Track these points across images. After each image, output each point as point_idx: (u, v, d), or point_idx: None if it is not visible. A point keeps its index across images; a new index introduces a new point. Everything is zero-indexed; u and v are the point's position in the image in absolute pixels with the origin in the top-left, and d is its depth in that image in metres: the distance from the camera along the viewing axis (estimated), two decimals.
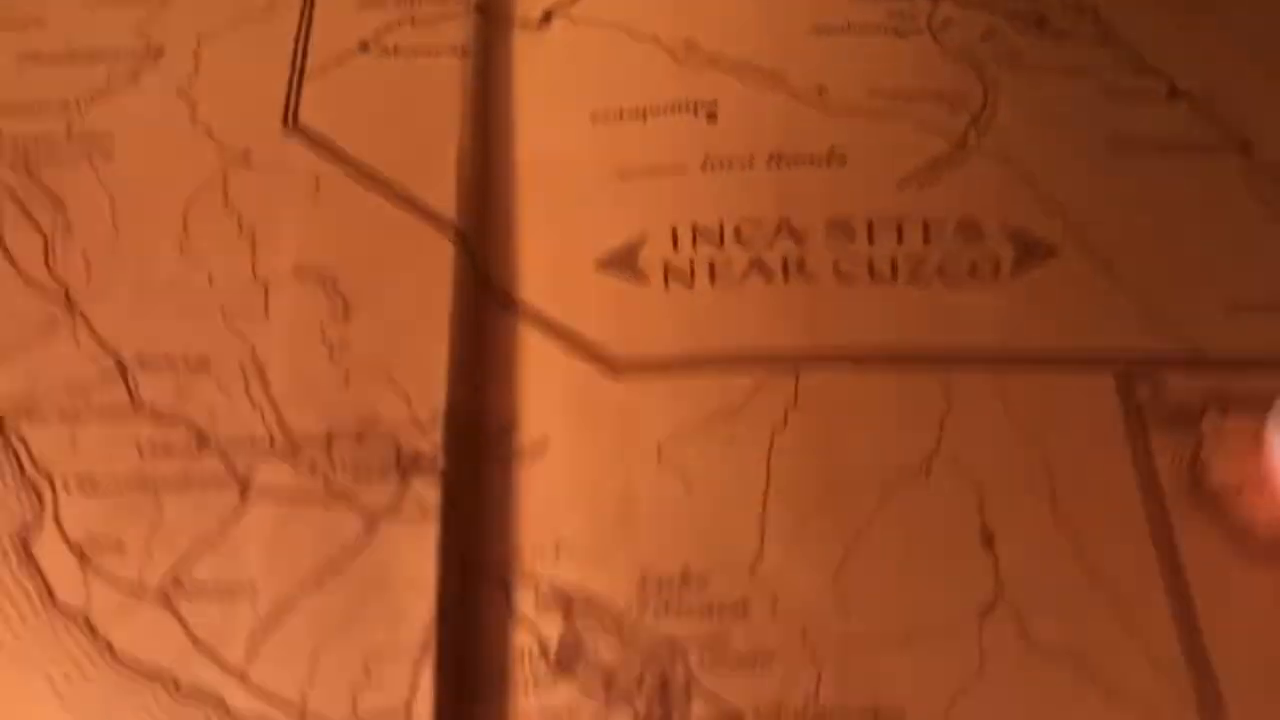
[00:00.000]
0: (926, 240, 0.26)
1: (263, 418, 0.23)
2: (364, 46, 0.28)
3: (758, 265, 0.25)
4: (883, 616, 0.22)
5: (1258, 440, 0.24)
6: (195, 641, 0.21)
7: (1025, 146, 0.27)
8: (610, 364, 0.24)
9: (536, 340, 0.25)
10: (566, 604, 0.22)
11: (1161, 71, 0.29)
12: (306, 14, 0.29)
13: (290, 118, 0.27)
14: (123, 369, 0.23)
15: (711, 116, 0.27)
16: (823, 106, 0.28)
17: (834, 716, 0.21)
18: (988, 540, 0.23)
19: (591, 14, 0.29)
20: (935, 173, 0.27)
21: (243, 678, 0.20)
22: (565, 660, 0.22)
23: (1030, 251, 0.26)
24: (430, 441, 0.23)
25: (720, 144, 0.27)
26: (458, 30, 0.28)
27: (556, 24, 0.29)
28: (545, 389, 0.24)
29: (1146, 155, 0.27)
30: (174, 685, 0.20)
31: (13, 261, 0.25)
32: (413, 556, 0.22)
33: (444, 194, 0.26)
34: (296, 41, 0.28)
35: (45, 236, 0.25)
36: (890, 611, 0.22)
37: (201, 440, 0.23)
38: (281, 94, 0.27)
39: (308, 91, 0.27)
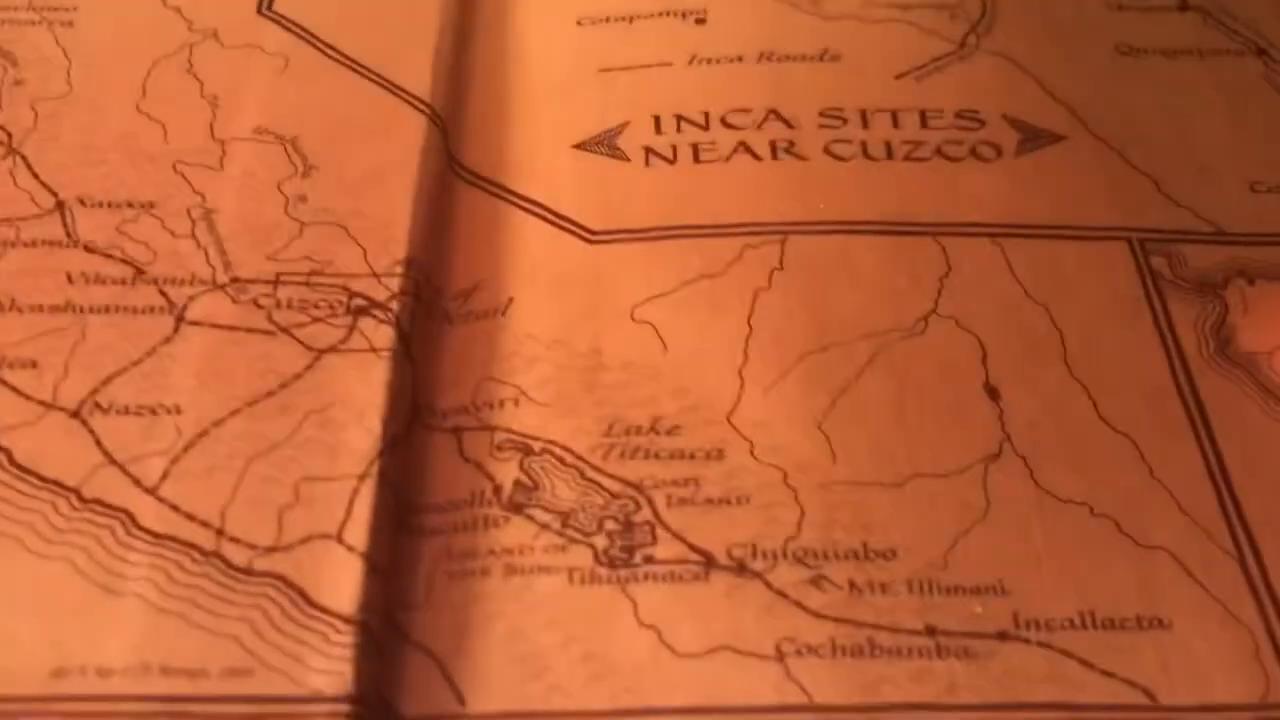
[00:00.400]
0: (924, 126, 0.25)
1: (207, 258, 0.22)
2: None
3: (744, 146, 0.24)
4: (874, 463, 0.20)
5: None
6: (107, 456, 0.19)
7: (1028, 50, 0.26)
8: (585, 232, 0.23)
9: (507, 212, 0.23)
10: (525, 450, 0.20)
11: None
12: None
13: (265, 4, 0.27)
14: (61, 206, 0.22)
15: (701, 21, 0.27)
16: (817, 13, 0.27)
17: (816, 556, 0.19)
18: (992, 393, 0.21)
19: None
20: (935, 68, 0.26)
21: (157, 495, 0.19)
22: (518, 501, 0.20)
23: (1035, 136, 0.25)
24: (385, 289, 0.21)
25: (709, 44, 0.26)
26: None
27: None
28: (514, 256, 0.23)
29: (1156, 60, 0.27)
30: (77, 497, 0.19)
31: None
32: (358, 390, 0.20)
33: (420, 78, 0.25)
34: None
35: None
36: (882, 458, 0.20)
37: (138, 274, 0.21)
38: None
39: None
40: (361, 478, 0.19)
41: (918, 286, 0.22)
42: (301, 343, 0.21)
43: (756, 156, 0.24)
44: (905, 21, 0.27)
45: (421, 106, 0.25)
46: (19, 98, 0.25)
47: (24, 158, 0.23)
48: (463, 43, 0.27)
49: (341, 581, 0.18)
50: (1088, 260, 0.23)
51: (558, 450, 0.20)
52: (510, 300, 0.22)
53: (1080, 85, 0.26)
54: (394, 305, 0.21)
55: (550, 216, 0.23)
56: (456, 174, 0.24)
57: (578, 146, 0.25)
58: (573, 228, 0.23)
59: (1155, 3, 0.28)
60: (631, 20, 0.27)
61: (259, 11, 0.27)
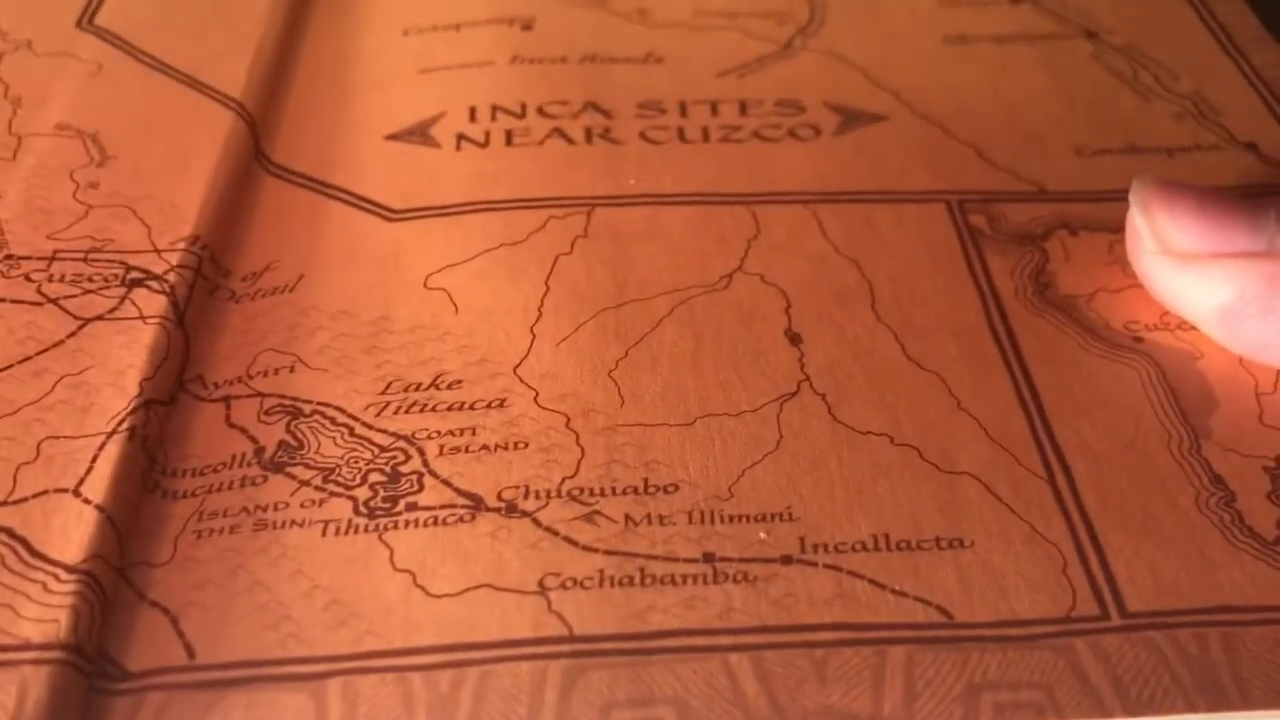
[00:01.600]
0: (743, 114, 0.25)
1: None
2: None
3: (559, 132, 0.25)
4: (664, 407, 0.19)
5: (1112, 256, 0.22)
6: None
7: (855, 46, 0.27)
8: (386, 211, 0.23)
9: (311, 199, 0.23)
10: (294, 413, 0.20)
11: None
12: None
13: (86, 19, 0.27)
14: None
15: (527, 28, 0.28)
16: (644, 23, 0.28)
17: (592, 494, 0.18)
18: (793, 339, 0.20)
19: None
20: (757, 67, 0.27)
21: None
22: (280, 460, 0.19)
23: (855, 118, 0.25)
24: (165, 263, 0.21)
25: (532, 46, 0.27)
26: None
27: None
28: (311, 238, 0.22)
29: (985, 46, 0.27)
30: None
31: None
32: (119, 354, 0.19)
33: (234, 81, 0.25)
34: None
35: None
36: (673, 401, 0.19)
37: None
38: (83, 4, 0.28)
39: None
40: (110, 435, 0.18)
41: (725, 248, 0.22)
42: (68, 312, 0.20)
43: (570, 140, 0.25)
44: (732, 28, 0.28)
45: (230, 104, 0.25)
46: None
47: None
48: (286, 51, 0.27)
49: (71, 533, 0.17)
50: (904, 220, 0.23)
51: (329, 411, 0.20)
52: (300, 277, 0.22)
53: (906, 72, 0.26)
54: (170, 277, 0.21)
55: (352, 199, 0.23)
56: (264, 168, 0.24)
57: (390, 137, 0.25)
58: (373, 208, 0.23)
59: None
60: (458, 28, 0.28)
61: (78, 25, 0.27)
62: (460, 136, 0.25)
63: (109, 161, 0.23)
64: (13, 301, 0.21)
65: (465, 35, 0.27)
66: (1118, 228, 0.22)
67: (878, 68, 0.26)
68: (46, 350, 0.20)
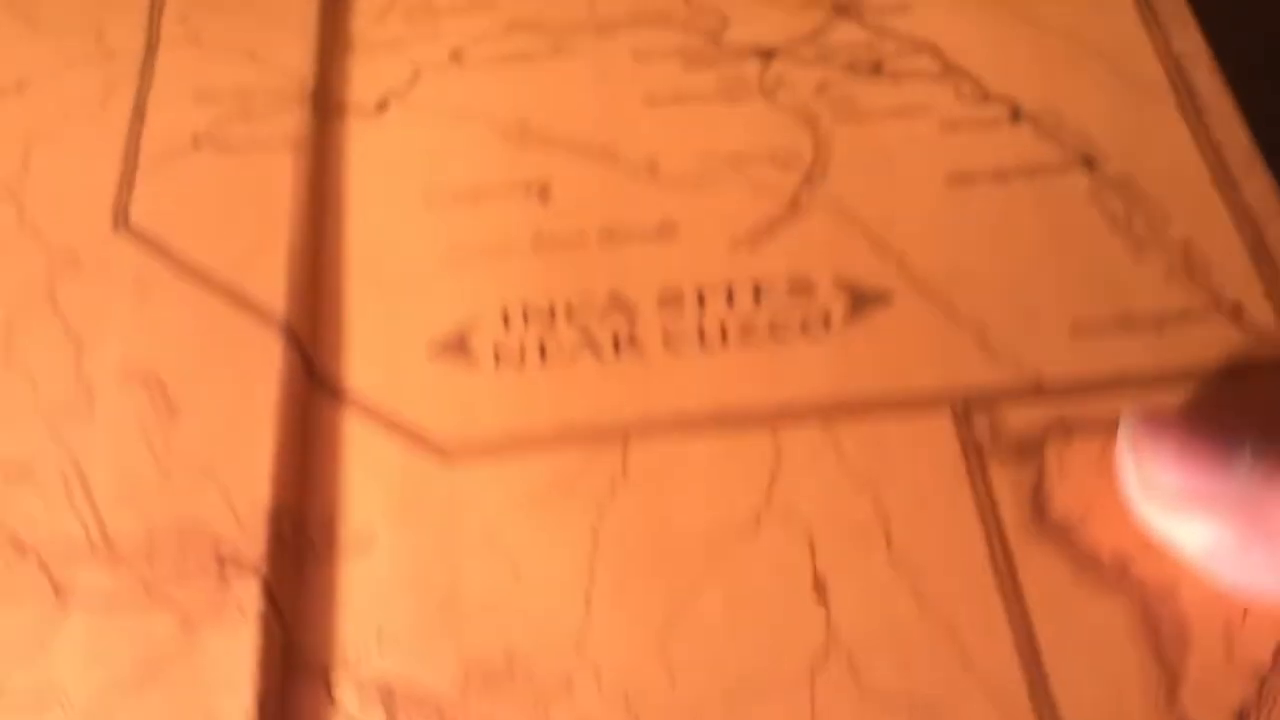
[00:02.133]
0: (757, 301, 0.27)
1: (83, 524, 0.24)
2: (196, 142, 0.30)
3: (588, 342, 0.27)
4: (708, 677, 0.22)
5: (1103, 465, 0.24)
6: None
7: (858, 195, 0.28)
8: (440, 451, 0.25)
9: (366, 432, 0.26)
10: (389, 695, 0.23)
11: (1005, 96, 0.30)
12: (140, 108, 0.31)
13: (121, 217, 0.29)
14: None
15: (543, 195, 0.29)
16: (654, 180, 0.29)
17: None
18: (820, 589, 0.23)
19: (427, 99, 0.31)
20: (767, 234, 0.28)
21: None
22: None
23: (863, 300, 0.27)
24: (251, 542, 0.24)
25: (551, 223, 0.28)
26: (291, 123, 0.30)
27: (393, 110, 0.31)
28: (373, 481, 0.25)
29: (986, 185, 0.29)
30: None
31: None
32: (230, 659, 0.22)
33: (273, 289, 0.27)
34: (129, 137, 0.30)
35: None
36: (716, 671, 0.22)
37: (19, 549, 0.24)
38: (112, 192, 0.29)
39: (140, 189, 0.29)
40: None
41: (750, 482, 0.24)
42: (176, 615, 0.23)
43: (598, 351, 0.26)
44: (740, 179, 0.29)
45: (277, 326, 0.27)
46: None
47: None
48: (313, 238, 0.28)
49: None
50: (913, 435, 0.25)
51: (419, 695, 0.23)
52: (373, 533, 0.24)
53: (909, 231, 0.28)
54: (260, 563, 0.23)
55: (407, 435, 0.26)
56: (319, 387, 0.26)
57: (431, 351, 0.27)
58: (428, 447, 0.25)
59: (989, 114, 0.30)
60: (478, 199, 0.29)
61: (115, 224, 0.29)
62: (497, 352, 0.27)
63: (177, 415, 0.26)
64: (125, 607, 0.23)
65: (485, 208, 0.28)
66: (1109, 428, 0.24)
67: (882, 224, 0.28)
68: (164, 659, 0.23)
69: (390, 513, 0.25)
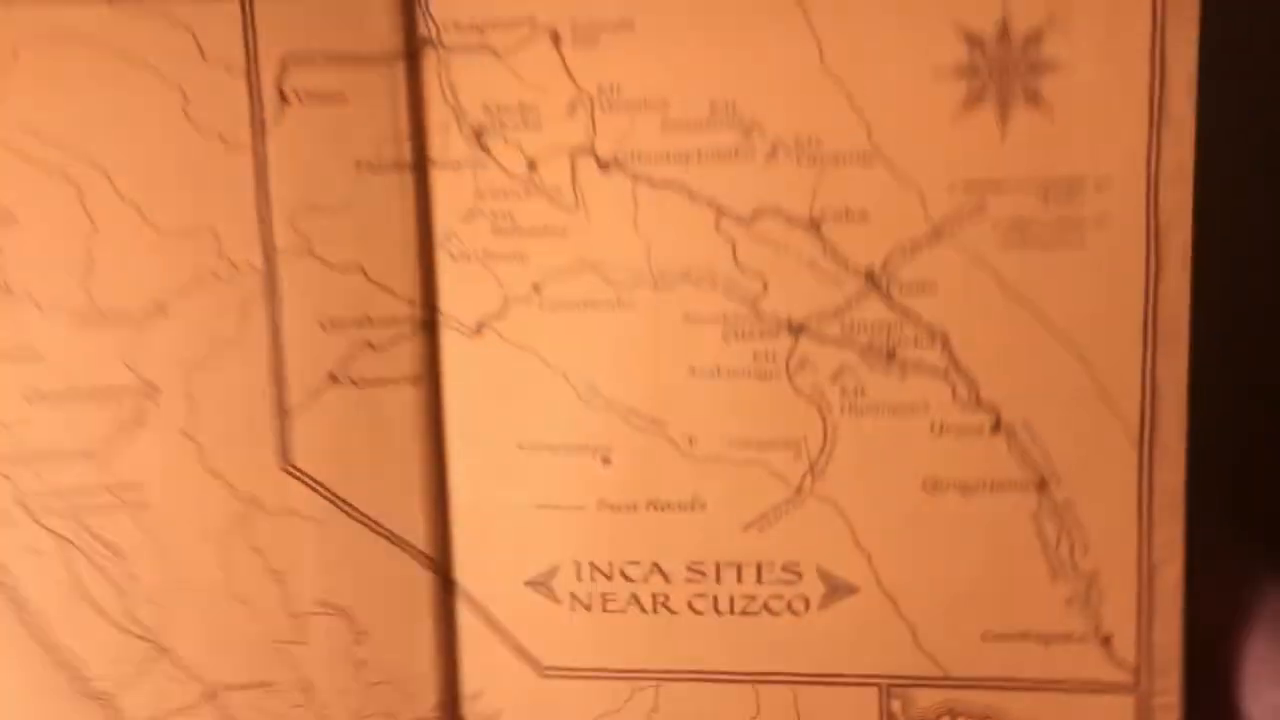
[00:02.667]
0: (759, 580, 0.36)
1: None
2: (333, 379, 0.37)
3: (635, 600, 0.37)
4: None
5: None
6: None
7: (848, 492, 0.36)
8: (538, 666, 0.38)
9: (489, 636, 0.38)
10: None
11: (991, 405, 0.34)
12: (276, 338, 0.36)
13: (284, 457, 0.37)
14: (213, 693, 0.37)
15: (606, 461, 0.37)
16: (691, 456, 0.36)
17: None
18: None
19: (514, 334, 0.37)
20: (774, 517, 0.36)
21: None
22: None
23: (836, 590, 0.36)
24: None
25: (611, 489, 0.37)
26: (408, 354, 0.37)
27: (487, 338, 0.37)
28: (499, 676, 0.38)
29: (953, 495, 0.35)
30: None
31: (101, 611, 0.37)
32: None
33: (416, 527, 0.37)
34: (273, 369, 0.37)
35: (118, 586, 0.37)
36: None
37: None
38: (271, 432, 0.36)
39: (294, 428, 0.37)
40: None
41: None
42: None
43: (643, 608, 0.36)
44: (759, 463, 0.35)
45: (423, 559, 0.37)
46: (138, 595, 0.36)
47: (170, 651, 0.37)
48: (438, 469, 0.38)
49: None
50: (848, 703, 0.35)
51: None
52: (499, 711, 0.38)
53: (883, 529, 0.36)
54: None
55: (519, 648, 0.38)
56: (455, 598, 0.38)
57: (528, 584, 0.37)
58: (532, 661, 0.38)
59: (974, 421, 0.34)
60: (556, 453, 0.36)
61: (281, 466, 0.37)
62: (573, 596, 0.37)
63: (365, 639, 0.38)
64: None
65: (562, 465, 0.36)
66: (982, 715, 0.35)
67: (862, 523, 0.36)
68: None
69: (509, 699, 0.38)
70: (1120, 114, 0.33)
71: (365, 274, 0.37)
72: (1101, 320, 0.34)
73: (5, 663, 0.37)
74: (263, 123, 0.36)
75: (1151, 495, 0.35)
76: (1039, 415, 0.35)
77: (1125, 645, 0.36)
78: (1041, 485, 0.35)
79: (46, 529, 0.36)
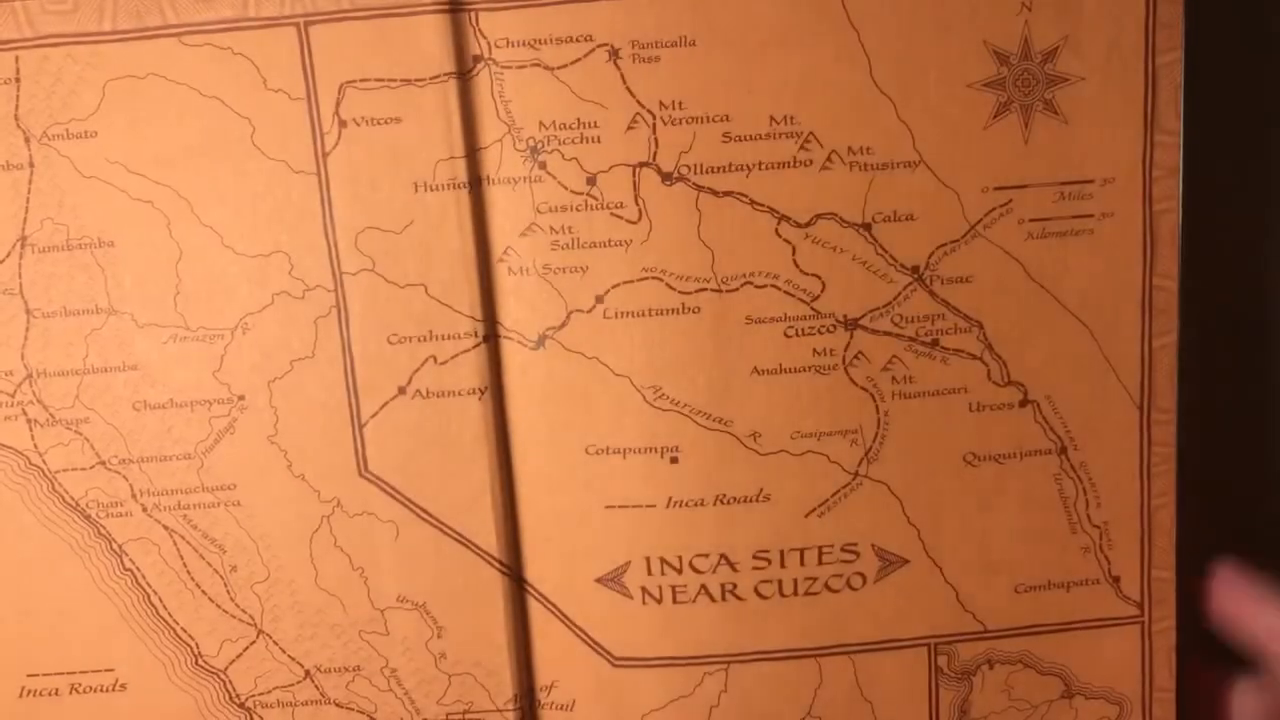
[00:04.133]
0: (820, 562, 0.39)
1: (400, 701, 0.39)
2: (401, 391, 0.38)
3: (704, 590, 0.39)
4: None
5: (1007, 683, 0.40)
6: None
7: (899, 473, 0.40)
8: (612, 657, 0.39)
9: (562, 630, 0.39)
10: None
11: (1020, 382, 0.39)
12: (348, 354, 0.38)
13: (362, 464, 0.38)
14: (309, 674, 0.39)
15: (674, 460, 0.38)
16: (757, 451, 0.39)
17: None
18: None
19: (577, 343, 0.38)
20: (834, 503, 0.39)
21: None
22: None
23: (889, 564, 0.39)
24: (504, 716, 0.39)
25: (679, 487, 0.39)
26: (472, 367, 0.38)
27: (550, 349, 0.38)
28: (572, 664, 0.39)
29: (989, 465, 0.39)
30: None
31: (210, 597, 0.39)
32: None
33: (487, 530, 0.38)
34: (347, 382, 0.38)
35: (221, 576, 0.39)
36: None
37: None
38: (349, 441, 0.38)
39: (369, 437, 0.38)
40: None
41: (796, 703, 0.39)
42: None
43: (712, 597, 0.38)
44: (819, 452, 0.38)
45: (495, 563, 0.38)
46: (241, 584, 0.39)
47: (268, 635, 0.39)
48: (506, 479, 0.38)
49: None
50: (900, 665, 0.39)
51: None
52: (574, 700, 0.38)
53: (929, 502, 0.40)
54: None
55: (591, 642, 0.39)
56: (527, 593, 0.39)
57: (599, 580, 0.38)
58: (604, 653, 0.40)
59: (1004, 399, 0.38)
60: (625, 455, 0.38)
61: (359, 472, 0.37)
62: (644, 590, 0.38)
63: (443, 632, 0.38)
64: None
65: (631, 465, 0.38)
66: (1017, 660, 0.40)
67: (911, 499, 0.39)
68: None
69: (585, 688, 0.39)
70: (1121, 121, 0.38)
71: (427, 291, 0.37)
72: (1108, 300, 0.39)
73: (137, 637, 0.40)
74: (323, 147, 0.36)
75: (1150, 451, 0.41)
76: (1059, 388, 0.40)
77: (1131, 583, 0.41)
78: (1062, 450, 0.40)
79: (158, 522, 0.39)
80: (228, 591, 0.39)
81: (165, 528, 0.39)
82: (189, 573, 0.39)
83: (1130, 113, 0.39)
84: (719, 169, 0.38)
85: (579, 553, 0.40)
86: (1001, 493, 0.41)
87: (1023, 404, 0.40)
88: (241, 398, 0.38)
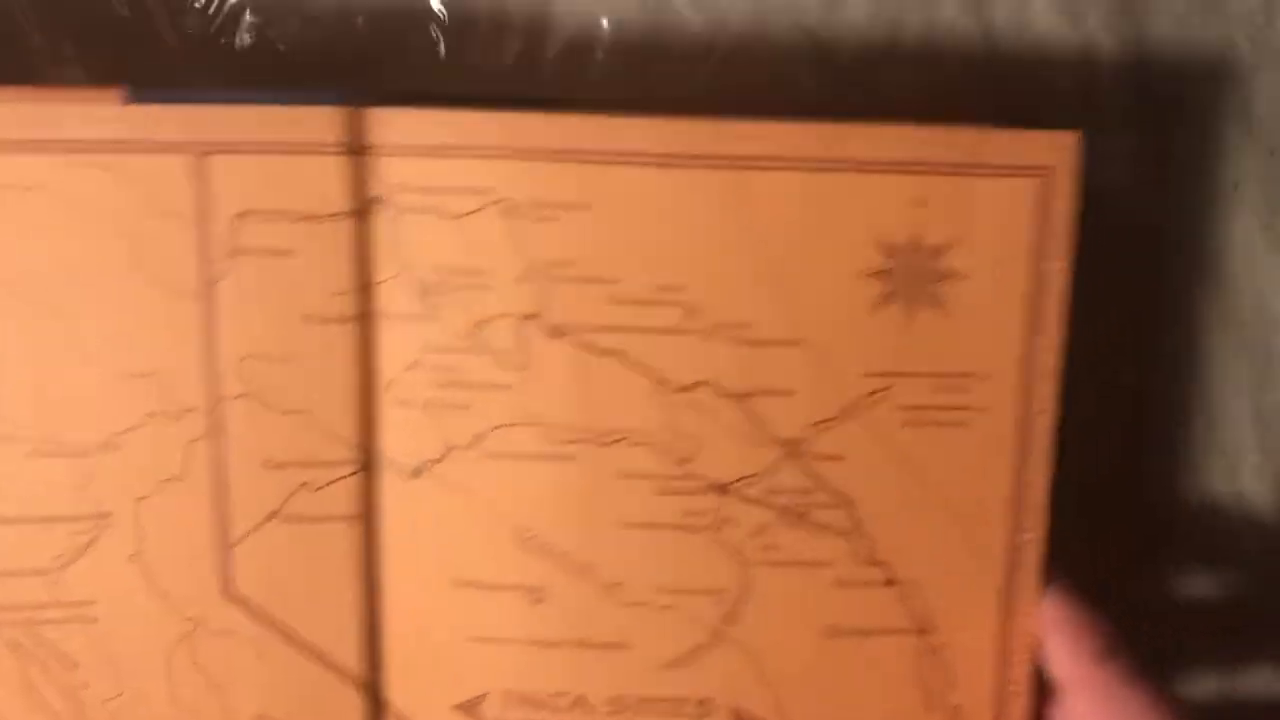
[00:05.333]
0: (675, 714, 0.41)
1: None
2: (274, 515, 0.39)
3: None
4: None
5: None
6: None
7: (760, 637, 0.40)
8: None
9: None
10: None
11: (885, 563, 0.39)
12: (220, 476, 0.38)
13: (227, 585, 0.39)
14: None
15: (539, 601, 0.39)
16: (619, 601, 0.39)
17: None
18: None
19: (453, 477, 0.39)
20: (692, 658, 0.40)
21: None
22: None
23: None
24: None
25: (542, 627, 0.40)
26: (347, 494, 0.39)
27: (426, 480, 0.39)
28: None
29: (849, 641, 0.40)
30: None
31: (56, 713, 0.39)
32: None
33: (353, 655, 0.39)
34: (216, 505, 0.38)
35: (71, 694, 0.38)
36: None
37: None
38: (216, 562, 0.38)
39: (237, 559, 0.39)
40: None
41: None
42: None
43: None
44: (681, 608, 0.39)
45: (357, 685, 0.39)
46: (92, 700, 0.38)
47: None
48: (371, 603, 0.39)
49: None
50: None
51: None
52: None
53: (788, 673, 0.40)
54: None
55: None
56: (384, 714, 0.40)
57: (457, 707, 0.40)
58: None
59: (870, 576, 0.39)
60: (491, 590, 0.38)
61: (224, 594, 0.38)
62: None
63: None
64: None
65: (496, 601, 0.39)
66: None
67: (770, 664, 0.40)
68: None
69: None
70: (1004, 321, 0.39)
71: (308, 419, 0.39)
72: (977, 492, 0.40)
73: None
74: (212, 274, 0.38)
75: (1009, 640, 0.41)
76: (923, 572, 0.41)
77: None
78: (922, 631, 0.41)
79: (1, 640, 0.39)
80: (77, 709, 0.39)
81: (10, 643, 0.39)
82: (35, 689, 0.39)
83: (1013, 314, 0.40)
84: (604, 328, 0.39)
85: (441, 680, 0.41)
86: (860, 667, 0.41)
87: (887, 584, 0.41)
88: (106, 515, 0.38)
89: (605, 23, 0.44)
